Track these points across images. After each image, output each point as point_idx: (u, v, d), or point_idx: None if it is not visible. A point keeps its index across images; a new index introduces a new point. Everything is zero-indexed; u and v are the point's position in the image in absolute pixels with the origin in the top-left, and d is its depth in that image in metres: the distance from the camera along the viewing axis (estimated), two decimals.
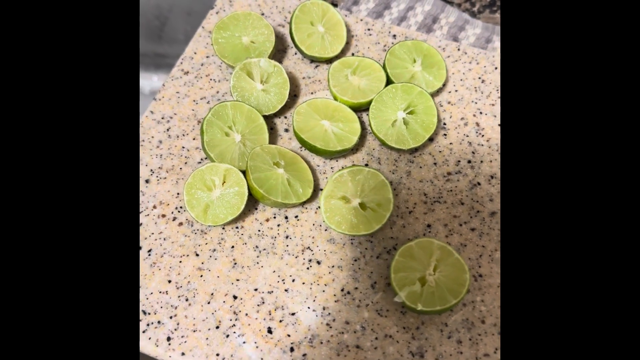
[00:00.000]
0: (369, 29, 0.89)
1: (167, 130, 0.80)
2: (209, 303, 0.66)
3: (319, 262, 0.69)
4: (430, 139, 0.79)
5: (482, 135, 0.79)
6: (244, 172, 0.71)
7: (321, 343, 0.64)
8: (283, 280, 0.68)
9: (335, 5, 0.92)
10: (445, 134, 0.79)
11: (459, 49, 0.87)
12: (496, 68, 0.85)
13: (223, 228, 0.71)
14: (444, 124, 0.80)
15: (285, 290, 0.67)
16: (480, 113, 0.81)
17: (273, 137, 0.79)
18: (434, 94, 0.83)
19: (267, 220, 0.72)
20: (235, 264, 0.69)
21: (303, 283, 0.67)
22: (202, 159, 0.77)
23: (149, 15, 1.40)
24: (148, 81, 1.45)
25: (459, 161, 0.77)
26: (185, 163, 0.77)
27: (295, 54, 0.88)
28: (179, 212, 0.73)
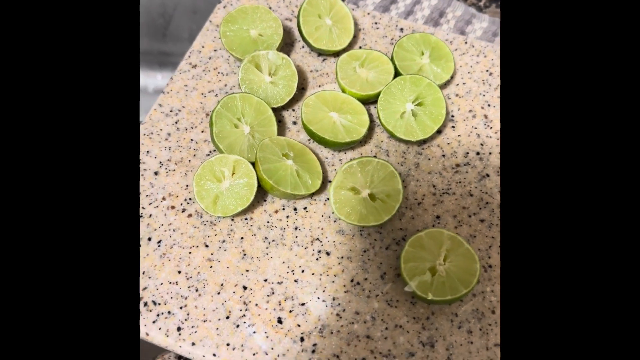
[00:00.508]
0: (376, 23, 0.89)
1: (176, 123, 0.80)
2: (218, 293, 0.66)
3: (328, 253, 0.69)
4: (439, 131, 0.79)
5: (491, 128, 0.79)
6: (253, 164, 0.71)
7: (331, 333, 0.64)
8: (292, 271, 0.68)
9: None
10: (453, 126, 0.79)
11: (466, 42, 0.87)
12: None
13: (232, 219, 0.72)
14: (452, 116, 0.80)
15: (295, 281, 0.67)
16: (489, 105, 0.81)
17: (281, 130, 0.79)
18: (442, 87, 0.83)
19: (276, 211, 0.72)
20: (245, 254, 0.69)
21: (312, 274, 0.67)
22: (210, 152, 0.77)
23: (154, 14, 1.40)
24: (152, 79, 1.45)
25: (468, 153, 0.77)
26: (194, 155, 0.77)
27: (303, 47, 0.88)
28: (188, 203, 0.73)
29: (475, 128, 0.79)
